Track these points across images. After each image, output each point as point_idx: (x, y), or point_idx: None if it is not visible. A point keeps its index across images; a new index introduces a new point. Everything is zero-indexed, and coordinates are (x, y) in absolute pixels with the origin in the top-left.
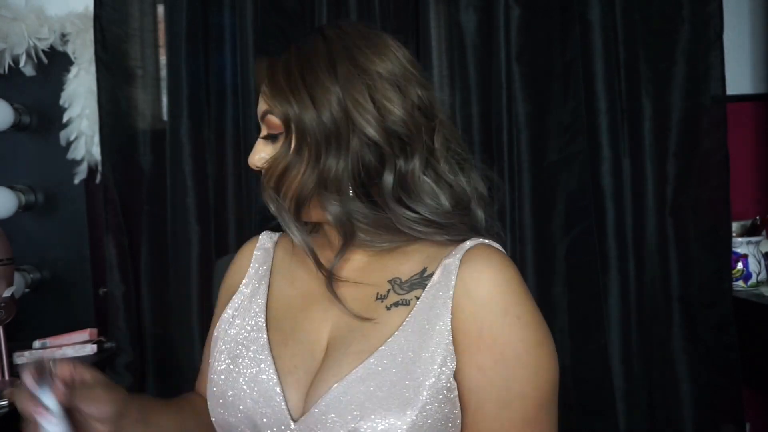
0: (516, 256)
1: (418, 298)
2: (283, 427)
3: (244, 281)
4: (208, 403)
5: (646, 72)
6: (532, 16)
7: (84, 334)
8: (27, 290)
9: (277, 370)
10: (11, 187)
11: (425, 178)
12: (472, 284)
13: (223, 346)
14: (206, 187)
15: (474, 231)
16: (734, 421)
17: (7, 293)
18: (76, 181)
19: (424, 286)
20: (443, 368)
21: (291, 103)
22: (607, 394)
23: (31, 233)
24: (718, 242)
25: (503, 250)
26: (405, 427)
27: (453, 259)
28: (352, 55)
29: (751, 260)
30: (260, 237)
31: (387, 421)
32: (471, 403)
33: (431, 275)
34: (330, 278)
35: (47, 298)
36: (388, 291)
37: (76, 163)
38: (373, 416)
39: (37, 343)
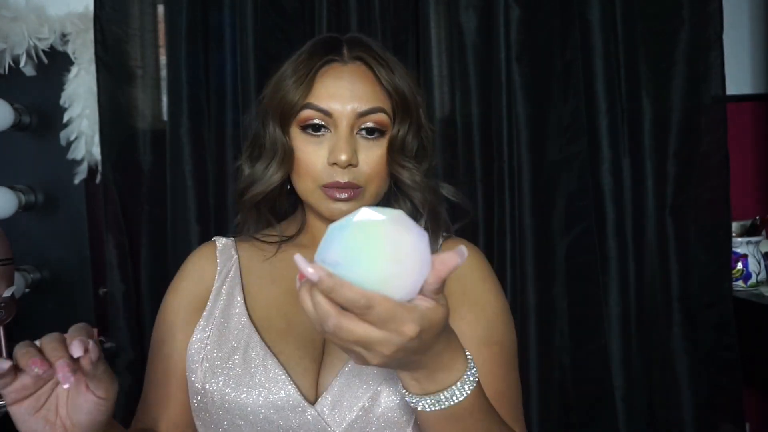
0: (516, 256)
1: None
2: (299, 409)
3: (215, 286)
4: (199, 414)
5: (646, 72)
6: (532, 16)
7: None
8: (27, 290)
9: (282, 364)
10: (11, 187)
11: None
12: None
13: (205, 363)
14: (206, 187)
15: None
16: (734, 421)
17: (7, 293)
18: (76, 181)
19: None
20: None
21: (410, 84)
22: (607, 394)
23: (31, 233)
24: (718, 242)
25: None
26: None
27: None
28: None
29: (751, 260)
30: (216, 242)
31: (398, 386)
32: None
33: None
34: None
35: (47, 298)
36: None
37: (76, 163)
38: (385, 383)
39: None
